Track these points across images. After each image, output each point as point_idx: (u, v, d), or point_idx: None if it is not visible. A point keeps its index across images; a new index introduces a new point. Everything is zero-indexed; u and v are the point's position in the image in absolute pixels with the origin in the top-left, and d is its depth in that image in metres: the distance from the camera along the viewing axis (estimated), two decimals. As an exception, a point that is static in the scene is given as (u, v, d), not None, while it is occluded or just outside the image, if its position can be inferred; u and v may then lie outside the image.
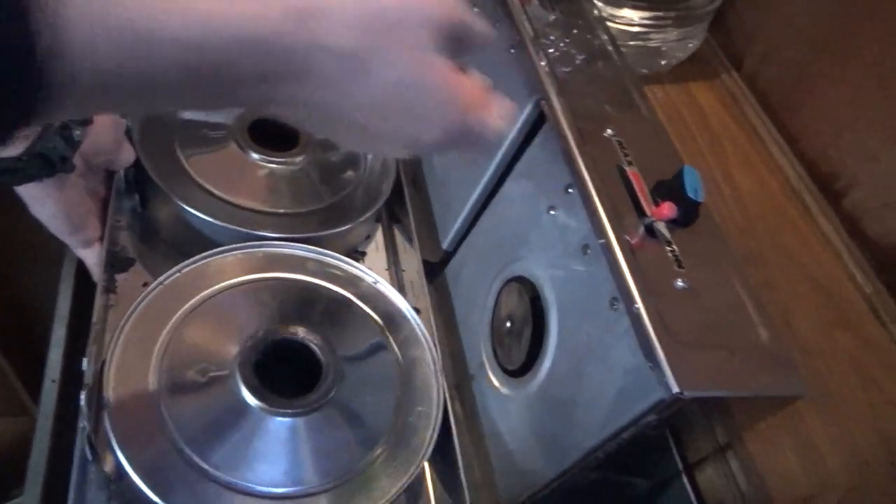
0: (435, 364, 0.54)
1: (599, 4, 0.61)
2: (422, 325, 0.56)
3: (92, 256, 0.53)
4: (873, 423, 0.45)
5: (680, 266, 0.39)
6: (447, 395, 0.53)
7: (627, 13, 0.62)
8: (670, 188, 0.41)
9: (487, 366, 0.54)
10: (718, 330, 0.37)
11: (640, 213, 0.41)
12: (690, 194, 0.40)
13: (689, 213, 0.41)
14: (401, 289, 0.65)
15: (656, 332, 0.35)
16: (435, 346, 0.55)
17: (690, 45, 0.65)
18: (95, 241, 0.52)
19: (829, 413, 0.46)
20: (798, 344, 0.49)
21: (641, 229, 0.40)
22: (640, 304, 0.36)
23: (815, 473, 0.42)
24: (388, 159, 0.68)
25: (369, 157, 0.68)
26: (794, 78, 0.59)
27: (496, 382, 0.53)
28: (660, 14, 0.61)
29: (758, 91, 0.64)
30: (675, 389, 0.33)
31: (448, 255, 0.63)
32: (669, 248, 0.40)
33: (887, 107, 0.51)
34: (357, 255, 0.66)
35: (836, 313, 0.51)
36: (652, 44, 0.64)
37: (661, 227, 0.41)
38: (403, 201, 0.66)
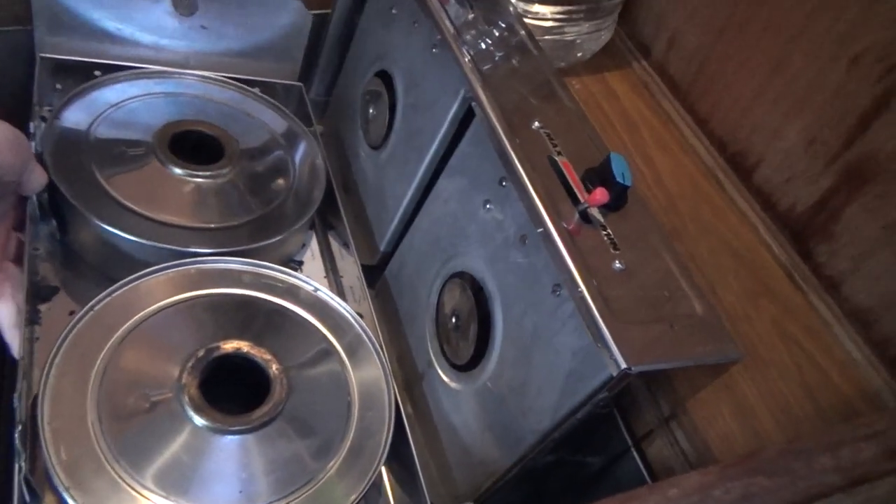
0: (383, 367, 0.54)
1: (514, 1, 0.62)
2: (367, 330, 0.56)
3: None
4: (799, 381, 0.49)
5: (615, 248, 0.41)
6: (398, 397, 0.53)
7: (541, 9, 0.63)
8: (600, 174, 0.43)
9: (436, 363, 0.54)
10: (657, 306, 0.39)
11: (574, 200, 0.42)
12: (619, 179, 0.41)
13: (619, 198, 0.42)
14: (341, 295, 0.65)
15: (601, 313, 0.36)
16: (381, 349, 0.55)
17: (603, 37, 0.68)
18: None
19: (759, 376, 0.49)
20: (726, 313, 0.52)
21: (576, 216, 0.42)
22: (583, 289, 0.37)
23: (753, 433, 0.45)
24: (318, 165, 0.67)
25: (297, 164, 0.67)
26: (699, 63, 0.63)
27: (446, 379, 0.53)
28: (571, 8, 0.64)
29: (666, 77, 0.67)
30: (623, 365, 0.34)
31: (386, 257, 0.63)
32: (604, 232, 0.41)
33: (784, 87, 0.55)
34: (294, 264, 0.66)
35: (758, 282, 0.54)
36: (567, 37, 0.66)
37: (595, 212, 0.42)
38: (336, 207, 0.66)
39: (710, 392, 0.46)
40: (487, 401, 0.48)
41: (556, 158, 0.45)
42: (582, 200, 0.42)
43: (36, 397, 0.44)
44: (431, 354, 0.55)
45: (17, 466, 0.41)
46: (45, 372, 0.45)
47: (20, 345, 0.46)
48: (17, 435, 0.40)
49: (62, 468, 0.42)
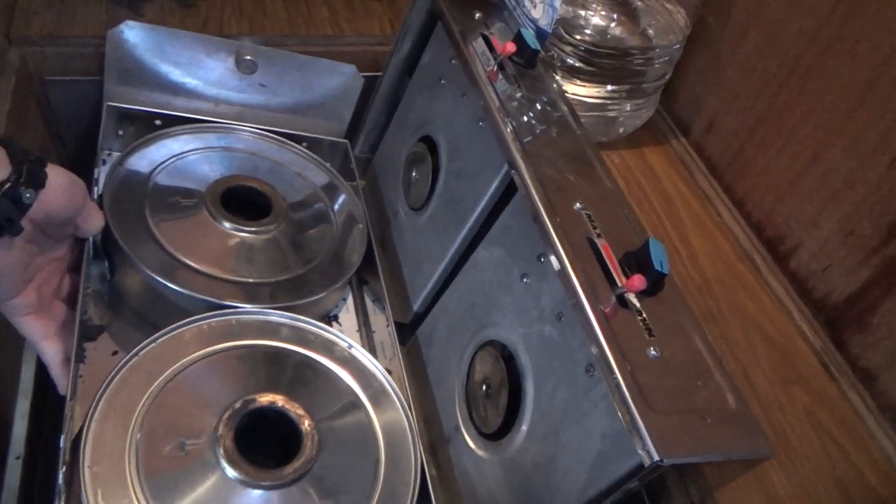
0: (411, 427, 0.55)
1: (560, 80, 0.64)
2: (395, 388, 0.57)
3: (30, 327, 0.50)
4: (831, 474, 0.48)
5: (651, 335, 0.41)
6: (424, 460, 0.54)
7: (588, 88, 0.65)
8: (638, 259, 0.44)
9: (463, 428, 0.55)
10: (690, 396, 0.39)
11: (612, 283, 0.43)
12: (657, 267, 0.42)
13: (656, 284, 0.43)
14: (372, 350, 0.66)
15: (634, 400, 0.37)
16: (410, 408, 0.56)
17: (644, 114, 0.70)
18: (33, 313, 0.50)
19: (790, 467, 0.48)
20: (758, 399, 0.51)
21: (613, 299, 0.43)
22: (618, 374, 0.38)
23: (781, 527, 0.45)
24: (359, 228, 0.69)
25: (340, 225, 0.69)
26: (737, 146, 0.64)
27: (472, 445, 0.54)
28: (615, 88, 0.66)
29: (704, 157, 0.68)
30: (656, 457, 0.35)
31: (419, 317, 0.65)
32: (640, 318, 0.42)
33: (821, 177, 0.55)
34: (329, 319, 0.67)
35: (791, 369, 0.54)
36: (610, 114, 0.68)
37: (632, 297, 0.43)
38: (374, 263, 0.68)
39: (739, 481, 0.45)
40: (514, 473, 0.49)
41: (596, 240, 0.46)
42: (620, 284, 0.43)
43: (78, 438, 0.46)
44: (459, 419, 0.56)
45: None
46: (88, 415, 0.47)
47: (68, 384, 0.48)
48: (60, 475, 0.41)
49: (99, 514, 0.43)
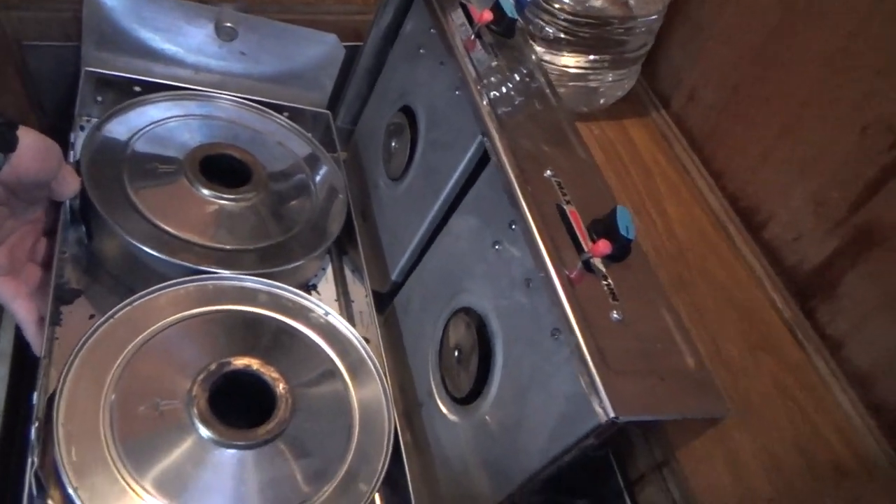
0: (385, 394, 0.56)
1: (540, 50, 0.64)
2: (372, 356, 0.58)
3: (2, 288, 0.50)
4: (794, 438, 0.49)
5: (615, 299, 0.42)
6: (398, 425, 0.55)
7: (568, 58, 0.66)
8: (605, 226, 0.44)
9: (436, 394, 0.56)
10: (649, 358, 0.40)
11: (579, 249, 0.44)
12: (623, 232, 0.43)
13: (622, 250, 0.44)
14: (350, 319, 0.66)
15: (594, 361, 0.38)
16: (385, 376, 0.57)
17: (625, 85, 0.70)
18: (5, 275, 0.50)
19: (754, 430, 0.49)
20: (726, 365, 0.52)
21: (580, 264, 0.43)
22: (579, 336, 0.39)
23: (743, 486, 0.46)
24: (340, 198, 0.69)
25: (320, 193, 0.69)
26: (715, 119, 0.64)
27: (445, 410, 0.54)
28: (597, 58, 0.66)
29: (684, 129, 0.69)
30: (612, 414, 0.36)
31: (397, 286, 0.65)
32: (605, 283, 0.43)
33: (792, 148, 0.56)
34: (308, 288, 0.68)
35: (760, 337, 0.55)
36: (591, 84, 0.68)
37: (598, 262, 0.44)
38: (353, 234, 0.68)
39: (703, 442, 0.47)
40: (483, 436, 0.49)
41: (565, 207, 0.46)
42: (586, 250, 0.43)
43: (52, 397, 0.46)
44: (433, 385, 0.56)
45: (29, 461, 0.43)
46: (63, 373, 0.47)
47: (42, 344, 0.49)
48: (33, 430, 0.42)
49: (71, 468, 0.44)
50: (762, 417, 0.50)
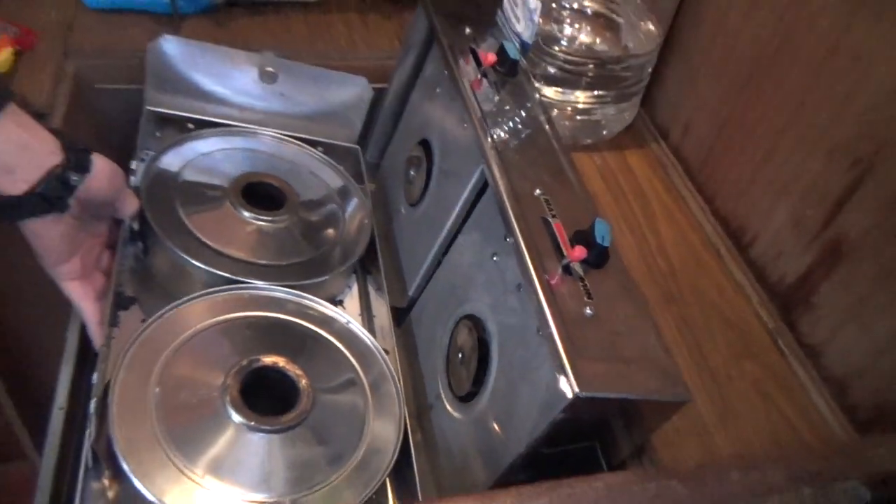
0: (398, 397, 0.62)
1: (544, 88, 0.71)
2: (388, 361, 0.64)
3: (73, 290, 0.59)
4: (771, 437, 0.53)
5: (589, 297, 0.47)
6: (408, 424, 0.60)
7: (570, 94, 0.72)
8: (585, 236, 0.50)
9: (443, 395, 0.61)
10: (617, 348, 0.45)
11: (560, 256, 0.50)
12: (599, 240, 0.49)
13: (599, 256, 0.49)
14: (371, 332, 0.73)
15: (564, 347, 0.43)
16: (399, 381, 0.63)
17: (626, 117, 0.76)
18: (77, 279, 0.59)
19: (733, 429, 0.53)
20: (710, 372, 0.57)
21: (560, 269, 0.49)
22: (552, 326, 0.44)
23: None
24: (365, 221, 0.77)
25: (347, 218, 0.77)
26: (708, 148, 0.69)
27: (449, 409, 0.60)
28: (596, 93, 0.72)
29: (681, 159, 0.74)
30: (576, 390, 0.41)
31: (413, 301, 0.72)
32: (582, 284, 0.48)
33: (774, 172, 0.61)
34: (335, 302, 0.75)
35: (744, 346, 0.59)
36: (593, 117, 0.74)
37: (577, 266, 0.49)
38: (376, 256, 0.75)
39: (682, 437, 0.51)
40: (480, 429, 0.55)
41: (550, 220, 0.52)
42: (565, 255, 0.49)
43: (108, 384, 0.54)
44: (440, 388, 0.62)
45: (87, 432, 0.50)
46: (117, 364, 0.55)
47: (101, 340, 0.57)
48: (92, 405, 0.50)
49: (122, 442, 0.51)
50: (742, 418, 0.54)
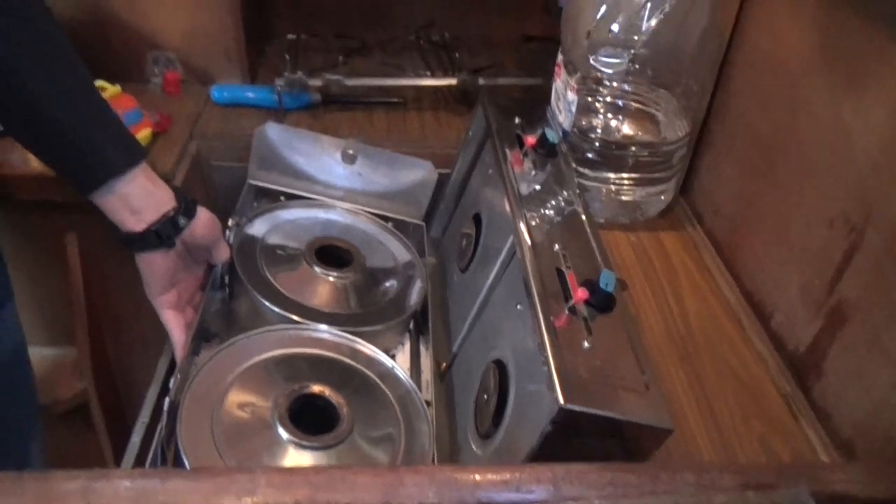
0: (430, 437, 0.68)
1: (583, 169, 0.80)
2: (425, 408, 0.71)
3: (168, 318, 0.70)
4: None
5: (589, 333, 0.53)
6: (436, 458, 0.66)
7: (607, 176, 0.81)
8: (592, 283, 0.57)
9: (469, 436, 0.67)
10: (609, 376, 0.50)
11: (567, 298, 0.56)
12: (602, 286, 0.55)
13: (601, 300, 0.55)
14: (417, 386, 0.80)
15: (556, 367, 0.49)
16: (432, 425, 0.69)
17: (663, 198, 0.83)
18: (173, 308, 0.71)
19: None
20: (716, 424, 0.60)
21: (566, 310, 0.55)
22: (549, 353, 0.50)
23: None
24: (420, 287, 0.86)
25: (404, 282, 0.86)
26: (733, 227, 0.75)
27: (474, 447, 0.65)
28: (631, 176, 0.80)
29: (713, 239, 0.79)
30: (561, 401, 0.46)
31: (455, 357, 0.79)
32: (584, 322, 0.54)
33: (787, 246, 0.65)
34: (389, 356, 0.83)
35: (755, 406, 0.61)
36: (630, 198, 0.82)
37: (582, 308, 0.56)
38: (427, 317, 0.83)
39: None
40: (495, 462, 0.60)
41: (564, 270, 0.59)
42: (572, 297, 0.56)
43: (180, 396, 0.64)
44: (468, 429, 0.68)
45: (158, 429, 0.60)
46: (191, 378, 0.65)
47: (183, 361, 0.68)
48: (166, 402, 0.60)
49: (186, 441, 0.60)
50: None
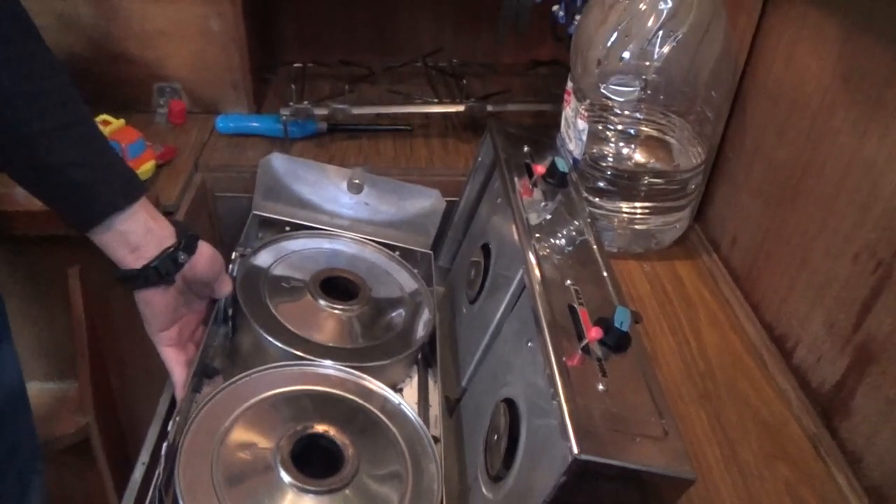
0: (438, 478, 0.65)
1: (595, 199, 0.78)
2: (434, 447, 0.68)
3: (168, 355, 0.68)
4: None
5: (604, 375, 0.51)
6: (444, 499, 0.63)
7: (618, 205, 0.78)
8: (606, 321, 0.54)
9: (479, 477, 0.64)
10: (626, 422, 0.47)
11: (581, 337, 0.54)
12: (617, 325, 0.53)
13: (619, 341, 0.53)
14: (425, 420, 0.77)
15: (569, 411, 0.46)
16: (441, 465, 0.66)
17: (678, 227, 0.80)
18: (173, 345, 0.68)
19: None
20: (739, 468, 0.57)
21: (579, 350, 0.53)
22: (561, 395, 0.48)
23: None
24: (428, 319, 0.84)
25: (412, 314, 0.84)
26: (752, 258, 0.72)
27: (484, 490, 0.62)
28: (644, 205, 0.78)
29: (730, 269, 0.77)
30: (575, 451, 0.44)
31: (464, 392, 0.76)
32: (598, 364, 0.52)
33: (808, 279, 0.62)
34: (396, 391, 0.80)
35: (779, 448, 0.58)
36: (643, 227, 0.79)
37: (595, 347, 0.53)
38: (435, 350, 0.81)
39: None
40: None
41: (576, 307, 0.57)
42: (585, 337, 0.53)
43: (179, 438, 0.62)
44: (478, 469, 0.65)
45: (157, 472, 0.57)
46: (191, 418, 0.63)
47: (183, 398, 0.65)
48: (164, 447, 0.57)
49: (184, 485, 0.58)
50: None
